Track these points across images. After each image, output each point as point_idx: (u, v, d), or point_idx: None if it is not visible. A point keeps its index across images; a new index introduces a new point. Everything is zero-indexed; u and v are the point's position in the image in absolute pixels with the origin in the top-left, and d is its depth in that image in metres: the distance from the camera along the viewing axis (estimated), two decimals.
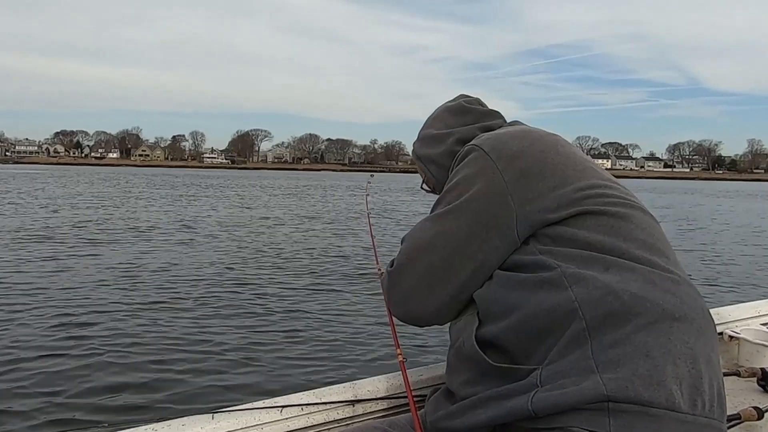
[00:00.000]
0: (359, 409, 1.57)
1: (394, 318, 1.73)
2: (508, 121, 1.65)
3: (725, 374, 1.18)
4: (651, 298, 1.10)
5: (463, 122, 1.61)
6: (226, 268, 10.19)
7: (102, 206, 23.18)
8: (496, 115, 1.64)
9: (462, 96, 1.71)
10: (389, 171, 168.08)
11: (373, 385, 1.61)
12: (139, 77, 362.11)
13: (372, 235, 2.40)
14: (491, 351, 1.23)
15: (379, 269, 2.08)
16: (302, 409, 1.49)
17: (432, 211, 1.41)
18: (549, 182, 1.27)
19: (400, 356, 1.57)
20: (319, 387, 1.58)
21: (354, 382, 1.62)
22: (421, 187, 1.74)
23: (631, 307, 1.09)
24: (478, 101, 1.68)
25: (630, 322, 1.08)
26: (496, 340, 1.22)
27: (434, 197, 1.59)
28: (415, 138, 1.73)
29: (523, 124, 1.59)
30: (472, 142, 1.41)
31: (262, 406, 1.47)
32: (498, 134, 1.42)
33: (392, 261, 1.46)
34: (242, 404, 1.48)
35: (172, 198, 30.72)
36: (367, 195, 2.94)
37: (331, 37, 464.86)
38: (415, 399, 1.58)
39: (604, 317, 1.09)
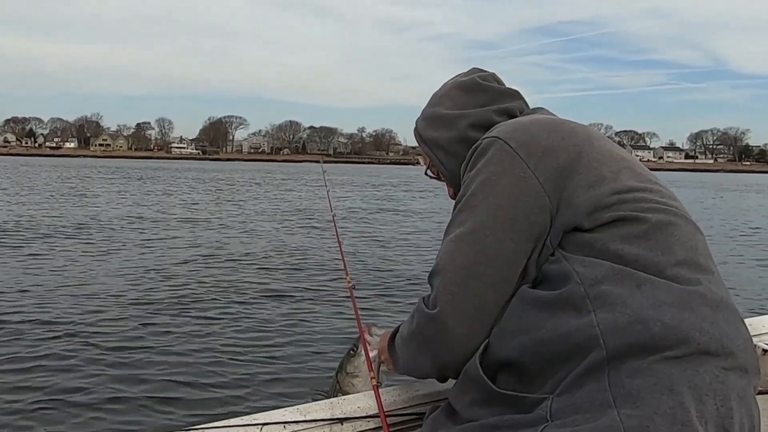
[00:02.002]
0: (347, 428, 1.56)
1: (367, 336, 1.72)
2: (525, 100, 1.61)
3: (759, 393, 1.18)
4: (685, 329, 1.08)
5: (477, 102, 1.55)
6: (187, 272, 10.08)
7: None
8: (515, 95, 1.59)
9: (476, 70, 1.65)
10: (378, 162, 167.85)
11: (363, 402, 1.60)
12: (100, 58, 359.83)
13: (339, 242, 2.33)
14: (498, 373, 1.23)
15: (349, 282, 2.07)
16: (284, 427, 1.49)
17: (453, 218, 1.34)
18: (583, 180, 1.25)
19: (374, 380, 1.56)
20: (301, 403, 1.58)
21: (342, 397, 1.63)
22: (426, 173, 1.70)
23: (661, 339, 1.07)
24: (494, 77, 1.63)
25: (656, 354, 1.06)
26: (505, 361, 1.21)
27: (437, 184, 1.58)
28: (419, 116, 1.66)
29: (548, 111, 1.56)
30: (492, 134, 1.36)
31: (240, 423, 1.47)
32: (523, 124, 1.37)
33: (426, 301, 1.34)
34: (218, 421, 1.47)
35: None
36: (328, 190, 2.74)
37: (316, 11, 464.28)
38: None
39: (629, 347, 1.07)
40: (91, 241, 13.41)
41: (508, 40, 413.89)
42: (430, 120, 1.60)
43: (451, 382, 1.42)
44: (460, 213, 1.32)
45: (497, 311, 1.27)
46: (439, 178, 1.66)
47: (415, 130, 1.66)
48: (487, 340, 1.27)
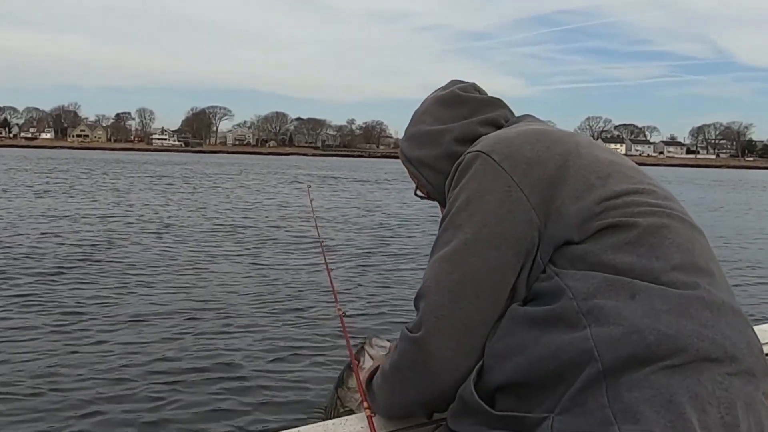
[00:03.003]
0: None
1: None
2: (509, 108, 1.61)
3: None
4: (682, 337, 1.07)
5: (460, 115, 1.55)
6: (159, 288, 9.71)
7: None
8: (498, 103, 1.59)
9: (455, 82, 1.66)
10: (369, 156, 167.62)
11: (356, 425, 1.59)
12: (79, 47, 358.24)
13: (328, 270, 2.32)
14: (495, 395, 1.23)
15: (339, 309, 2.07)
16: None
17: (438, 237, 1.34)
18: (571, 190, 1.24)
19: (368, 410, 1.54)
20: (293, 427, 1.56)
21: (334, 420, 1.61)
22: (415, 194, 1.70)
23: (658, 349, 1.06)
24: (475, 87, 1.63)
25: (653, 364, 1.05)
26: (501, 384, 1.21)
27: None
28: (402, 137, 1.67)
29: (535, 117, 1.56)
30: (475, 148, 1.36)
31: None
32: (506, 136, 1.37)
33: (410, 326, 1.32)
34: None
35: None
36: (315, 217, 2.77)
37: (305, 2, 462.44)
38: None
39: (626, 359, 1.06)
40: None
41: (503, 31, 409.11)
42: (413, 139, 1.61)
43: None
44: (445, 232, 1.31)
45: (486, 332, 1.26)
46: (429, 199, 1.66)
47: (401, 151, 1.66)
48: (479, 365, 1.26)
